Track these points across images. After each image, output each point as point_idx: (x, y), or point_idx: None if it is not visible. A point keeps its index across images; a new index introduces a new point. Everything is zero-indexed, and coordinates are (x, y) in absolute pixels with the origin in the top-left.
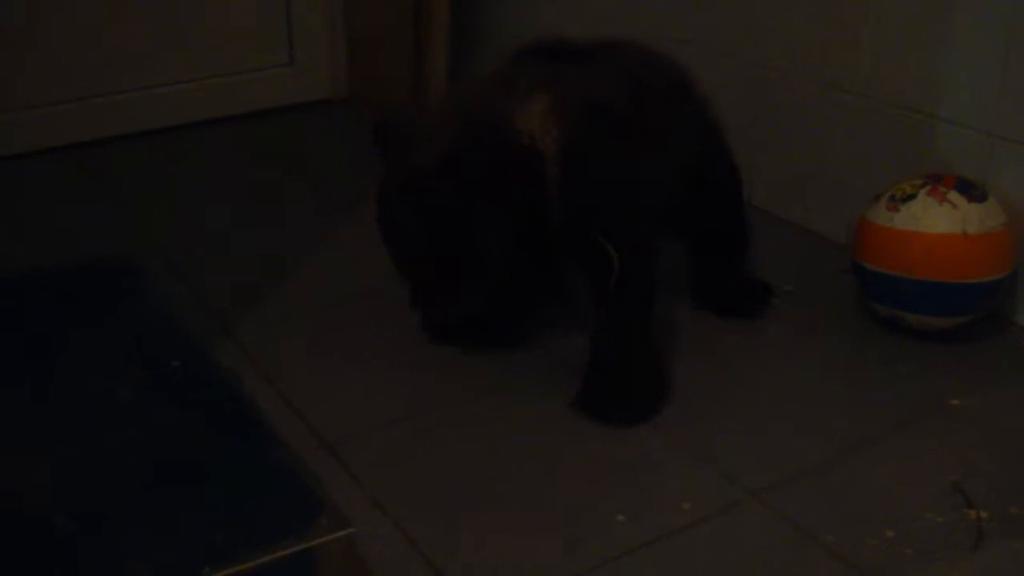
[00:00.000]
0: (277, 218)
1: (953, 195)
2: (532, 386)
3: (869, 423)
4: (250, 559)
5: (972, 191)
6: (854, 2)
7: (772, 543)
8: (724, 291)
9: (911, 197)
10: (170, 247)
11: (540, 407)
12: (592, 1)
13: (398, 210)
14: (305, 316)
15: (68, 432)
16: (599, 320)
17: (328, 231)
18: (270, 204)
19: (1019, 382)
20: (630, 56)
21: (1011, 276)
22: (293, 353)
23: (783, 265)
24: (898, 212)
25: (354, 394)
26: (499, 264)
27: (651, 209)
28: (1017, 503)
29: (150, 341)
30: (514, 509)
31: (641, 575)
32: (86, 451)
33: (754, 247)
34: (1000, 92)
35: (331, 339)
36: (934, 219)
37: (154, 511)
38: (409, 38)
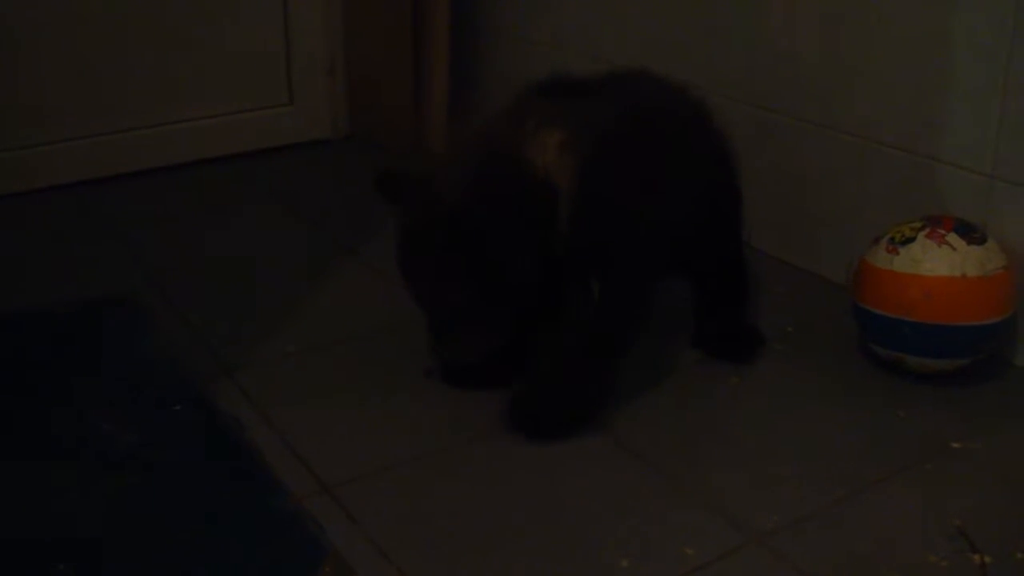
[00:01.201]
0: (278, 258)
1: (952, 237)
2: None
3: (871, 466)
4: None
5: (971, 233)
6: (854, 44)
7: None
8: (717, 333)
9: (910, 240)
10: (172, 288)
11: (542, 450)
12: (593, 39)
13: (427, 245)
14: (307, 357)
15: (68, 477)
16: (559, 339)
17: (329, 271)
18: (271, 244)
19: (1021, 424)
20: (644, 89)
21: (1011, 318)
22: (295, 395)
23: (783, 306)
24: (897, 255)
25: (356, 437)
26: (530, 289)
27: (658, 249)
28: (1021, 547)
29: (152, 384)
30: (517, 554)
31: None
32: (87, 496)
33: (754, 289)
34: (999, 134)
35: (333, 381)
36: (933, 262)
37: (155, 558)
38: (409, 77)
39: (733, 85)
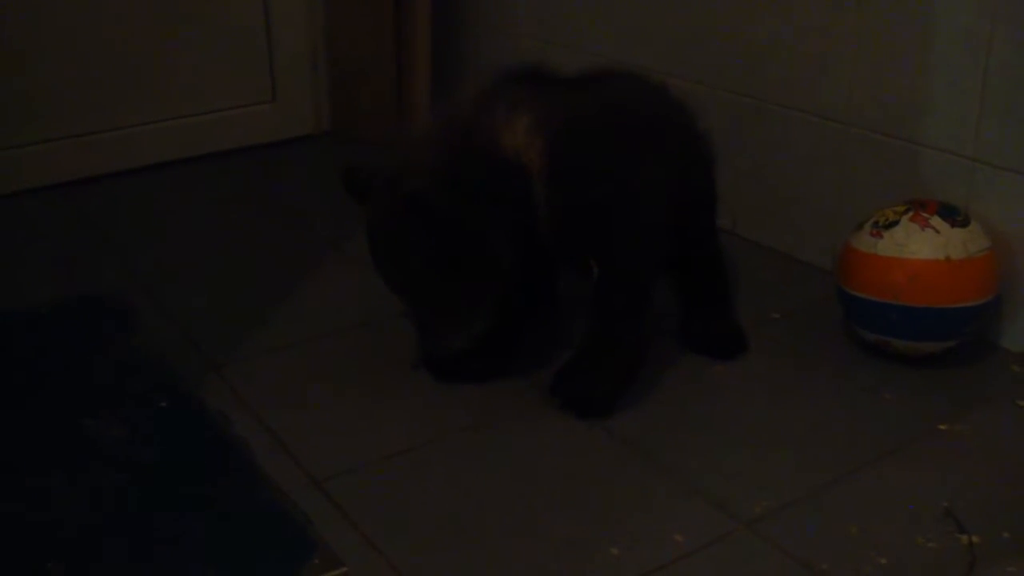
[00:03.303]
0: (262, 254)
1: (936, 221)
2: (521, 419)
3: (859, 450)
4: None
5: (955, 216)
6: (836, 30)
7: (765, 573)
8: (700, 332)
9: (894, 223)
10: (156, 285)
11: (530, 441)
12: (575, 31)
13: (396, 234)
14: (293, 352)
15: (55, 475)
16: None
17: (313, 266)
18: (255, 240)
19: (1007, 406)
20: (618, 83)
21: (995, 300)
22: (282, 390)
23: (769, 293)
24: (881, 239)
25: (344, 430)
26: (509, 267)
27: (644, 218)
28: (1009, 527)
29: (138, 381)
30: (508, 544)
31: None
32: (74, 493)
33: (739, 276)
34: (980, 117)
35: (319, 375)
36: (917, 245)
37: (144, 554)
38: (391, 72)
39: (714, 73)
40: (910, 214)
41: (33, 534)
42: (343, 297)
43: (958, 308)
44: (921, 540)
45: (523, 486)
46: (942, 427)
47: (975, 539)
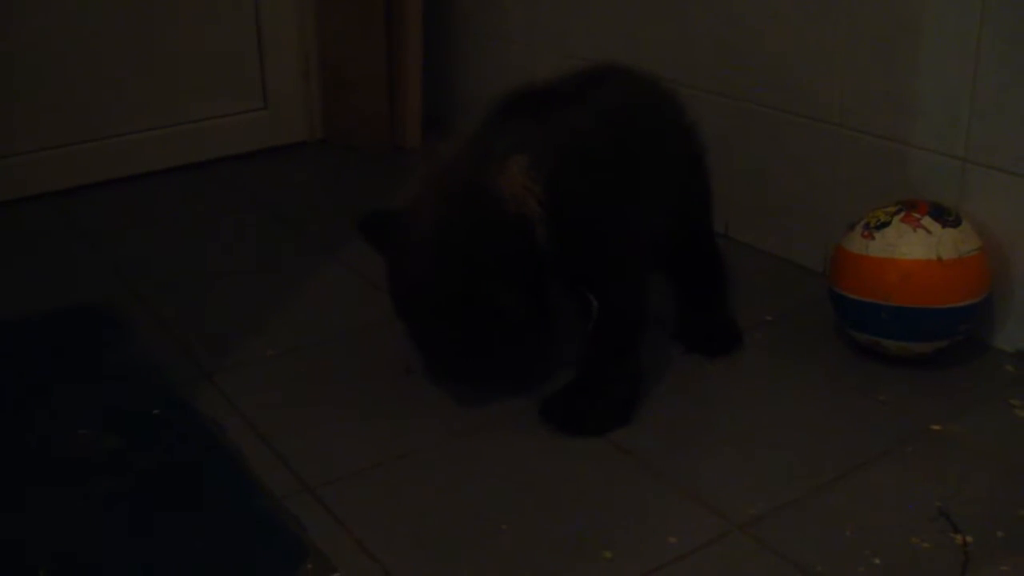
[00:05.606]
0: (255, 262)
1: (927, 221)
2: (514, 425)
3: (852, 451)
4: None
5: (946, 216)
6: (826, 32)
7: (760, 575)
8: (695, 329)
9: (885, 224)
10: (150, 294)
11: (523, 446)
12: (567, 36)
13: (414, 289)
14: (287, 360)
15: (49, 482)
16: (586, 350)
17: (306, 273)
18: (248, 248)
19: (999, 405)
20: (617, 89)
21: (987, 300)
22: (275, 397)
23: (761, 295)
24: (873, 240)
25: (338, 437)
26: (523, 318)
27: (639, 242)
28: (1002, 526)
29: (131, 389)
30: (501, 549)
31: None
32: (68, 502)
33: (731, 279)
34: (970, 117)
35: (313, 381)
36: (909, 245)
37: (138, 561)
38: (383, 79)
39: (706, 76)
40: (901, 215)
41: (25, 540)
42: (336, 303)
43: (950, 308)
44: (915, 540)
45: (516, 491)
46: (935, 427)
47: (969, 539)
